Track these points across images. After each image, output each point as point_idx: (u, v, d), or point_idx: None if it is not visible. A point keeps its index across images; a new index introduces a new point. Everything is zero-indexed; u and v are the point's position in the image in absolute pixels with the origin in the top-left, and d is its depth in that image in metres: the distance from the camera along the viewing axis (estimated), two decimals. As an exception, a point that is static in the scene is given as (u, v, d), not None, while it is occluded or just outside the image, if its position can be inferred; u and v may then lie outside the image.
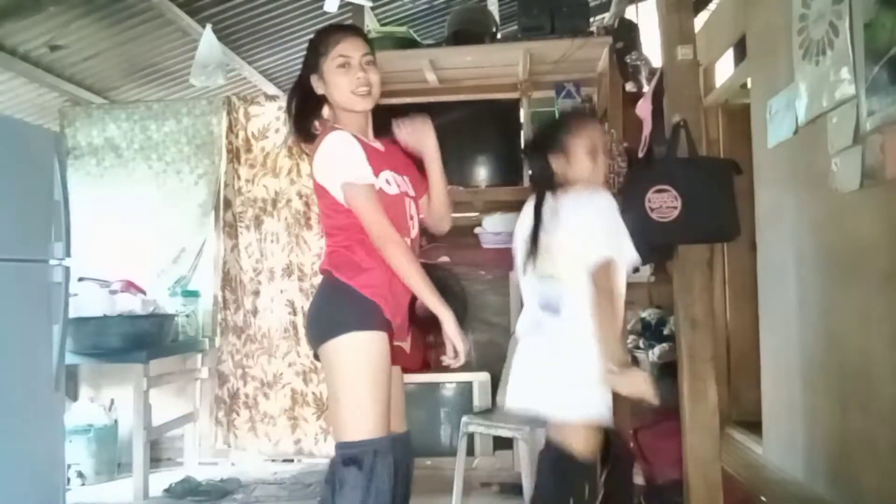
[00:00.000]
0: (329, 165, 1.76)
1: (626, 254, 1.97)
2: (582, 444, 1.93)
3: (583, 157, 2.00)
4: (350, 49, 1.78)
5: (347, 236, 1.77)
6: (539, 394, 1.97)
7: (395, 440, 1.72)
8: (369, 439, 1.62)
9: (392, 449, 1.66)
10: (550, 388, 1.93)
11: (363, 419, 1.64)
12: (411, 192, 1.88)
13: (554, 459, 1.96)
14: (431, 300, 1.71)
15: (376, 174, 1.78)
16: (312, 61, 1.82)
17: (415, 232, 1.88)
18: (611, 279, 1.88)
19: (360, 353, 1.67)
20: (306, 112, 1.87)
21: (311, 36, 1.88)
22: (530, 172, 2.21)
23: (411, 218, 1.86)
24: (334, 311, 1.73)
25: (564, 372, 1.92)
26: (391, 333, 1.75)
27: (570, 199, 1.97)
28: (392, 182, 1.81)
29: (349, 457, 1.63)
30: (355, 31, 1.89)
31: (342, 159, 1.75)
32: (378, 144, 1.88)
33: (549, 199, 2.00)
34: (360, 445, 1.62)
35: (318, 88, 1.83)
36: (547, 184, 2.04)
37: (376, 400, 1.65)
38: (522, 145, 2.37)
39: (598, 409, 1.93)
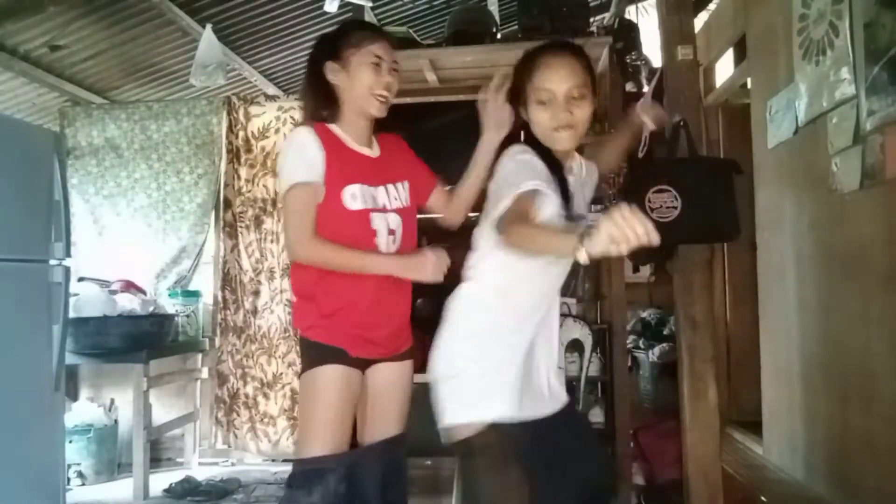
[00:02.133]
0: (280, 167, 1.76)
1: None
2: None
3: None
4: (385, 52, 1.77)
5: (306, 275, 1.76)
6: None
7: (372, 448, 1.81)
8: (310, 458, 1.69)
9: (342, 465, 1.70)
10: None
11: (308, 440, 1.72)
12: (393, 205, 1.79)
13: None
14: (378, 266, 1.72)
15: (342, 186, 1.72)
16: (335, 49, 1.77)
17: (396, 247, 1.79)
18: (518, 215, 1.49)
19: (310, 387, 1.74)
20: (321, 96, 1.81)
21: (336, 27, 1.85)
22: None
23: (391, 233, 1.77)
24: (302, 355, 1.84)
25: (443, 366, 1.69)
26: (366, 354, 1.78)
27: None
28: (359, 197, 1.73)
29: (294, 475, 1.72)
30: (389, 37, 1.84)
31: (291, 161, 1.72)
32: (371, 151, 1.83)
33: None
34: (304, 464, 1.70)
35: (332, 76, 1.77)
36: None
37: (323, 424, 1.72)
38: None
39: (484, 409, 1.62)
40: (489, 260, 1.69)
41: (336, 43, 1.78)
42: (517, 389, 1.64)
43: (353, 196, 1.72)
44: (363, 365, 1.78)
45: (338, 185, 1.72)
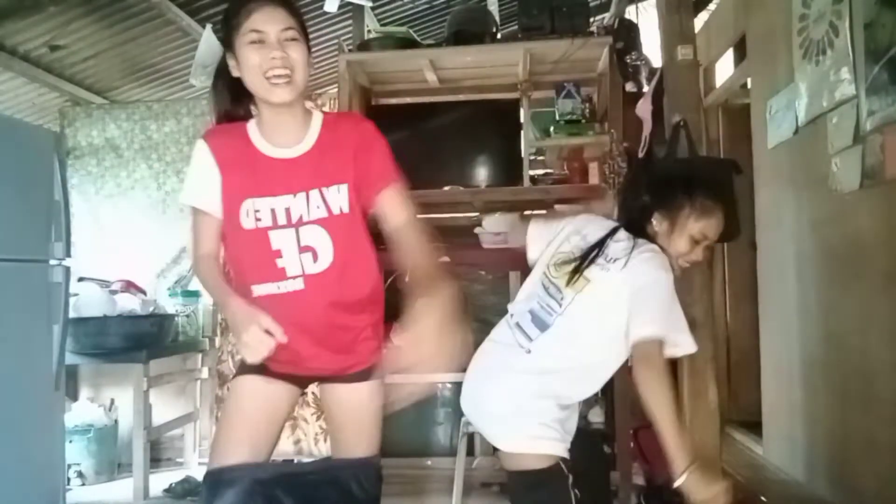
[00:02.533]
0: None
1: (680, 342, 1.72)
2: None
3: (687, 239, 1.80)
4: (264, 22, 1.43)
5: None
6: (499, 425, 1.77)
7: (274, 466, 1.65)
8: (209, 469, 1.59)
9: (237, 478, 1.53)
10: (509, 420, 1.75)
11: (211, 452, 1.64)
12: (312, 216, 1.49)
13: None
14: (224, 311, 1.53)
15: (239, 201, 1.49)
16: (225, 35, 1.50)
17: (323, 266, 1.50)
18: (661, 358, 1.67)
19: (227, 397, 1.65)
20: (230, 96, 1.58)
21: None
22: (630, 201, 1.93)
23: (306, 250, 1.49)
24: None
25: (524, 408, 1.74)
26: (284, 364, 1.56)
27: (646, 257, 1.77)
28: (253, 213, 1.49)
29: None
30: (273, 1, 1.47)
31: (187, 180, 1.58)
32: (293, 150, 1.52)
33: (621, 237, 1.82)
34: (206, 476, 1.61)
35: (233, 70, 1.50)
36: (636, 223, 1.84)
37: (222, 436, 1.61)
38: (648, 174, 2.03)
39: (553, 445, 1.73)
40: (577, 329, 1.76)
41: (224, 28, 1.51)
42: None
43: (248, 213, 1.49)
44: (298, 381, 1.62)
45: (235, 201, 1.50)
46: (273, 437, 1.60)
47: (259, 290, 1.50)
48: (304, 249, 1.49)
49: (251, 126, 1.56)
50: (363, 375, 1.60)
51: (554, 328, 1.78)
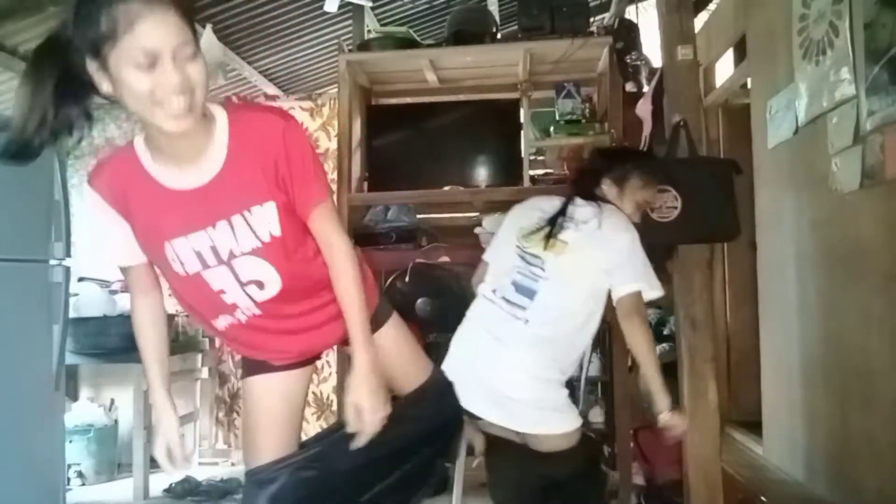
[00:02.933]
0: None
1: (654, 287, 2.02)
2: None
3: (633, 203, 2.11)
4: (155, 38, 1.09)
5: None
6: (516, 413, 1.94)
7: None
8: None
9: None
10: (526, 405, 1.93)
11: None
12: (243, 247, 1.29)
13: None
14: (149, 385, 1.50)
15: (159, 247, 1.30)
16: (88, 37, 1.10)
17: (268, 293, 1.34)
18: (644, 308, 1.98)
19: None
20: (67, 100, 1.17)
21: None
22: (579, 174, 2.29)
23: (251, 284, 1.33)
24: None
25: (535, 386, 1.92)
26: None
27: (616, 218, 2.03)
28: (175, 260, 1.31)
29: None
30: (162, 4, 1.10)
31: (102, 238, 1.36)
32: (196, 174, 1.26)
33: (580, 203, 2.06)
34: None
35: (101, 86, 1.16)
36: (587, 187, 2.11)
37: (249, 438, 1.58)
38: (601, 153, 2.37)
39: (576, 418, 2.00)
40: (562, 296, 1.98)
41: (88, 28, 1.10)
42: None
43: (173, 259, 1.30)
44: (306, 361, 1.58)
45: (155, 248, 1.31)
46: (297, 424, 1.56)
47: (219, 322, 1.40)
48: (247, 284, 1.33)
49: (140, 149, 1.29)
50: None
51: (542, 293, 1.95)
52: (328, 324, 1.46)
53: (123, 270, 1.43)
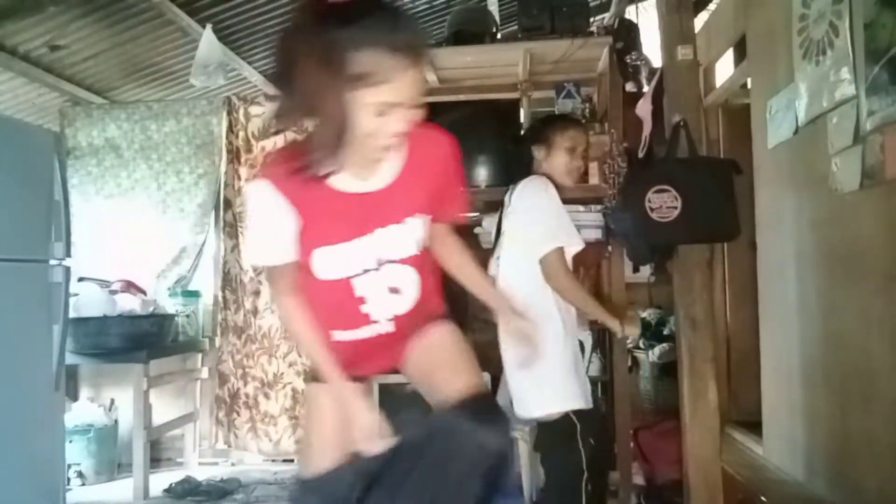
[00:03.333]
0: (248, 232, 1.48)
1: (573, 241, 2.25)
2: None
3: (563, 153, 2.30)
4: (406, 92, 1.17)
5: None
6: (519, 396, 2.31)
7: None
8: None
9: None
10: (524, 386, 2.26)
11: None
12: (397, 255, 1.35)
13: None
14: (325, 374, 1.41)
15: (314, 248, 1.32)
16: (339, 68, 1.13)
17: (405, 305, 1.39)
18: (565, 262, 2.19)
19: None
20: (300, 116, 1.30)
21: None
22: (511, 157, 2.48)
23: (393, 291, 1.37)
24: None
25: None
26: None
27: (521, 188, 2.25)
28: (332, 262, 1.33)
29: None
30: (421, 59, 1.19)
31: (254, 235, 1.38)
32: (371, 182, 1.32)
33: (513, 187, 2.32)
34: None
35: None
36: (524, 170, 2.31)
37: (311, 445, 1.57)
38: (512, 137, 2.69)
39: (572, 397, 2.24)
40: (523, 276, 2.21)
41: (343, 63, 1.15)
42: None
43: (325, 261, 1.33)
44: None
45: (309, 248, 1.33)
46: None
47: (340, 335, 1.41)
48: (391, 291, 1.37)
49: None
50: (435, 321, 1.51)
51: (499, 280, 2.23)
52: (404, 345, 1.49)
53: (271, 269, 1.41)
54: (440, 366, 1.46)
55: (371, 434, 1.31)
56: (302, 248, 1.33)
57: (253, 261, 1.51)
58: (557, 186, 2.29)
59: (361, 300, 1.36)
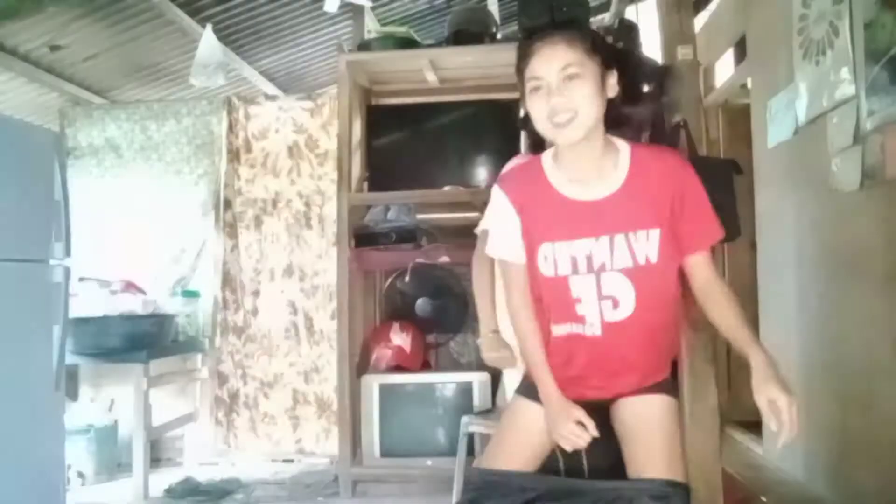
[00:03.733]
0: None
1: None
2: None
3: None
4: (541, 66, 1.39)
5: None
6: None
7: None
8: None
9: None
10: None
11: None
12: (616, 264, 1.43)
13: None
14: (537, 382, 1.54)
15: (535, 246, 1.48)
16: (518, 80, 1.48)
17: (618, 315, 1.45)
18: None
19: None
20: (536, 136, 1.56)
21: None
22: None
23: (606, 299, 1.45)
24: None
25: None
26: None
27: None
28: (552, 259, 1.46)
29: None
30: (553, 37, 1.39)
31: (491, 232, 1.61)
32: (590, 190, 1.45)
33: None
34: None
35: (523, 107, 1.50)
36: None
37: (495, 446, 1.65)
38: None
39: None
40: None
41: (517, 75, 1.48)
42: None
43: (546, 258, 1.47)
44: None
45: (533, 246, 1.49)
46: (538, 462, 1.56)
47: (557, 329, 1.52)
48: (604, 297, 1.44)
49: (547, 162, 1.51)
50: (652, 389, 1.53)
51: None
52: (634, 375, 1.51)
53: (506, 268, 1.58)
54: (645, 441, 1.47)
55: (575, 439, 1.44)
56: (532, 243, 1.49)
57: (489, 251, 1.64)
58: None
59: (577, 300, 1.46)
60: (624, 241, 1.42)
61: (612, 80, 1.43)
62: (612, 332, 1.47)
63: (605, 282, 1.44)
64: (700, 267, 1.48)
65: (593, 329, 1.47)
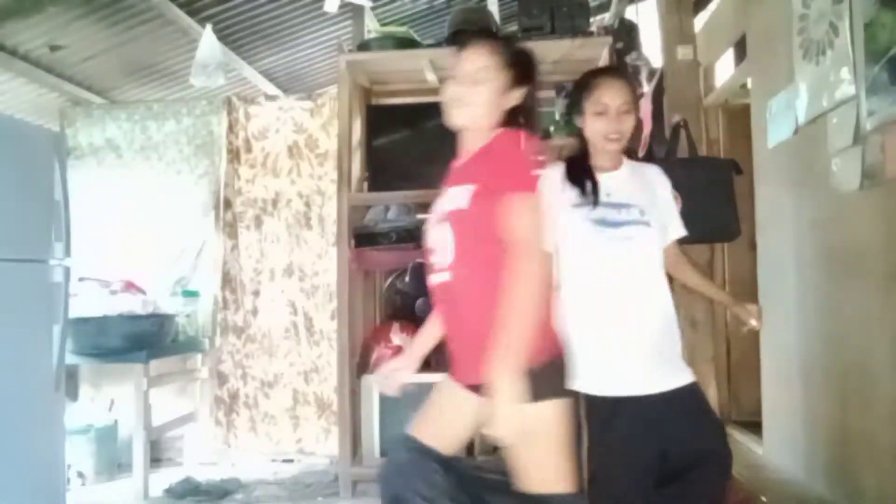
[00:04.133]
0: None
1: None
2: None
3: (592, 119, 1.93)
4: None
5: None
6: None
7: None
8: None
9: None
10: None
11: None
12: (449, 207, 1.58)
13: None
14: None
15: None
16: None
17: (444, 259, 1.57)
18: None
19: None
20: None
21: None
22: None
23: (438, 245, 1.61)
24: None
25: None
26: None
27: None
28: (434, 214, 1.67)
29: None
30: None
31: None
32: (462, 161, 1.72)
33: None
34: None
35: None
36: (582, 146, 2.03)
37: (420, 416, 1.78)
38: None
39: None
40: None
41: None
42: None
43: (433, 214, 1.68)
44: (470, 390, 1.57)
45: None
46: (456, 436, 1.66)
47: (432, 279, 1.64)
48: (438, 245, 1.60)
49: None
50: (477, 389, 1.47)
51: None
52: (472, 362, 1.48)
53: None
54: (529, 456, 1.49)
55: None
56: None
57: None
58: None
59: (433, 250, 1.62)
60: (458, 190, 1.58)
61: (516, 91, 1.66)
62: (446, 284, 1.59)
63: (438, 231, 1.60)
64: (504, 218, 1.52)
65: (441, 277, 1.60)
